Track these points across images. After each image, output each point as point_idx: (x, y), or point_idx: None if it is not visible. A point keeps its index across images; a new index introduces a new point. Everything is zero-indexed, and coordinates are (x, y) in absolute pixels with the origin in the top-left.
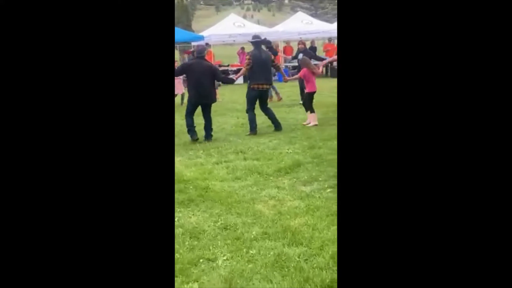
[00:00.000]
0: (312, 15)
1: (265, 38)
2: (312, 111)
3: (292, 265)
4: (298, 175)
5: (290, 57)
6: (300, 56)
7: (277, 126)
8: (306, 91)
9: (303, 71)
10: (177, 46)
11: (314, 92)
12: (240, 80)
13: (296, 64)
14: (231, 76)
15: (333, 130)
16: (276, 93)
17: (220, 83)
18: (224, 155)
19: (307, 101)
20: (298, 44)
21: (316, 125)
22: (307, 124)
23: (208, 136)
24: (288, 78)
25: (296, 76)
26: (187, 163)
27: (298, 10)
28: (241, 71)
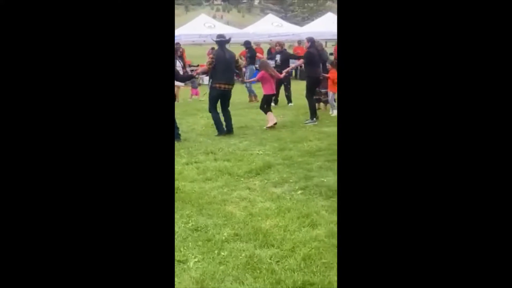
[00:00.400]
0: (282, 18)
1: (229, 38)
2: (265, 112)
3: (264, 266)
4: (269, 177)
5: (263, 57)
6: (278, 57)
7: (229, 130)
8: (263, 93)
9: (261, 73)
10: None
11: (273, 95)
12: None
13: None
14: (191, 74)
15: (303, 132)
16: (252, 95)
17: (200, 81)
18: (194, 156)
19: (264, 103)
20: (275, 45)
21: (275, 123)
22: (270, 126)
23: (177, 136)
24: (246, 80)
25: (254, 78)
26: None
27: (268, 12)
28: (203, 69)
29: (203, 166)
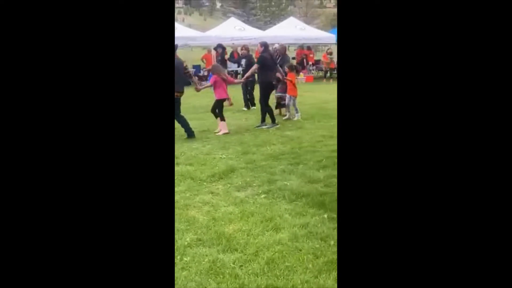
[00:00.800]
0: (244, 21)
1: (176, 45)
2: (222, 118)
3: (227, 271)
4: (232, 181)
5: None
6: (243, 61)
7: (189, 134)
8: (216, 98)
9: (214, 78)
10: None
11: (224, 100)
12: None
13: (232, 69)
14: None
15: (266, 136)
16: (228, 98)
17: None
18: None
19: (217, 108)
20: (242, 49)
21: (226, 133)
22: (218, 132)
23: None
24: (199, 87)
25: (208, 84)
26: None
27: (230, 16)
28: None
29: None
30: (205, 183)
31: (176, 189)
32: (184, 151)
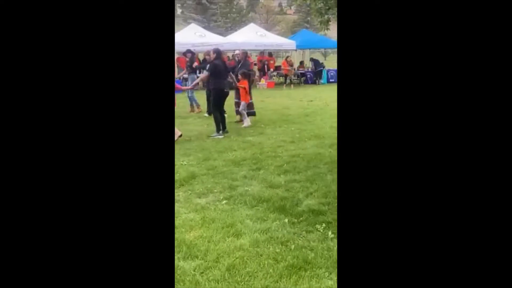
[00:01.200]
0: (205, 28)
1: None
2: None
3: (188, 279)
4: (193, 187)
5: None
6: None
7: None
8: None
9: None
10: None
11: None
12: None
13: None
14: None
15: (227, 142)
16: (196, 104)
17: None
18: None
19: None
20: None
21: (180, 135)
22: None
23: None
24: None
25: None
26: None
27: (190, 22)
28: None
29: None
30: None
31: None
32: None
